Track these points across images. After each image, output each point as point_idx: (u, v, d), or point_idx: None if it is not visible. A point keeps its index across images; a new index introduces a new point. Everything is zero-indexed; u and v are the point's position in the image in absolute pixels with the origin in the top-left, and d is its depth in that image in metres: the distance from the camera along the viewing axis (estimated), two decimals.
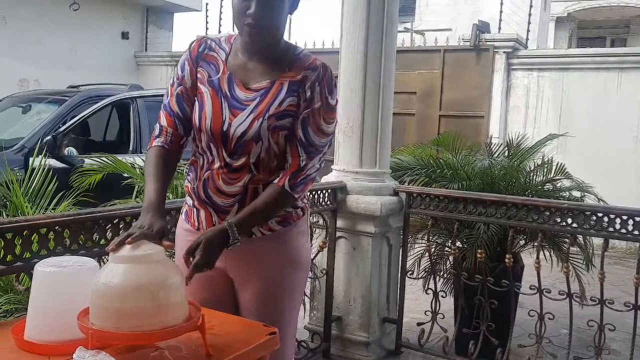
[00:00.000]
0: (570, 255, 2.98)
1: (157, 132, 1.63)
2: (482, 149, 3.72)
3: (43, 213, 2.57)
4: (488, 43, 7.15)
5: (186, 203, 1.71)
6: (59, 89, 6.16)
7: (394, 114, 3.29)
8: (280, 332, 1.41)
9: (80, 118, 5.22)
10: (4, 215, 2.60)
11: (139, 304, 1.19)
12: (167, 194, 2.81)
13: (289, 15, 1.61)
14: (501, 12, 8.04)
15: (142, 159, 1.69)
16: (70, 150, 4.99)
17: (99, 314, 1.20)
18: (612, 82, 6.60)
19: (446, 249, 3.28)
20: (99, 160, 3.66)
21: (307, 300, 3.13)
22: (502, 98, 7.16)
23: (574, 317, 2.83)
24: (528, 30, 7.71)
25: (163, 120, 1.63)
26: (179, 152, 1.64)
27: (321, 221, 3.05)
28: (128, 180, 3.42)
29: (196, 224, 1.65)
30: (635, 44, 14.04)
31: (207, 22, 9.61)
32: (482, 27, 7.31)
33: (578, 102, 6.79)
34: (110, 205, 2.63)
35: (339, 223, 3.11)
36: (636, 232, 2.58)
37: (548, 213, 2.77)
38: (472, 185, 3.27)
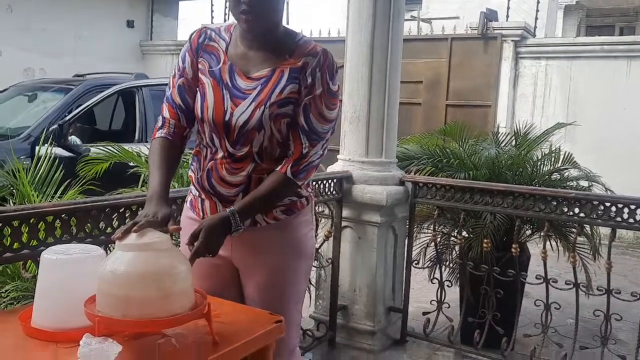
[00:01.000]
0: (577, 245, 2.96)
1: (159, 124, 1.63)
2: (489, 139, 3.70)
3: (49, 201, 2.58)
4: (496, 31, 7.08)
5: (191, 192, 1.71)
6: (65, 77, 6.16)
7: (400, 103, 3.27)
8: (285, 321, 1.42)
9: (86, 107, 5.22)
10: (11, 203, 2.61)
11: (145, 292, 1.20)
12: (173, 183, 2.82)
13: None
14: (509, 0, 7.95)
15: (148, 148, 1.70)
16: (73, 139, 5.00)
17: (105, 302, 1.20)
18: (621, 71, 6.54)
19: (452, 238, 3.27)
20: (105, 149, 3.66)
21: (312, 289, 3.14)
22: (509, 87, 7.11)
23: (580, 307, 2.83)
24: (536, 19, 7.63)
25: (165, 112, 1.63)
26: (182, 143, 1.64)
27: (327, 211, 3.05)
28: (134, 169, 3.42)
29: (201, 213, 1.65)
30: None
31: (212, 11, 9.56)
32: (490, 15, 7.23)
33: (586, 90, 6.72)
34: (117, 194, 2.63)
35: (345, 213, 3.11)
36: None
37: (555, 203, 2.76)
38: (479, 174, 3.25)
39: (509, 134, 3.75)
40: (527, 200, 2.81)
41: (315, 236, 2.88)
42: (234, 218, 1.49)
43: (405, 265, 3.26)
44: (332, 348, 3.14)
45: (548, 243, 2.93)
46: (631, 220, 2.59)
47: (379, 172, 3.10)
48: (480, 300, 3.06)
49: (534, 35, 7.40)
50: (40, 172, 2.86)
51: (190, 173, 1.69)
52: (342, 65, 3.28)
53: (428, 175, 3.28)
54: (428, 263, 3.31)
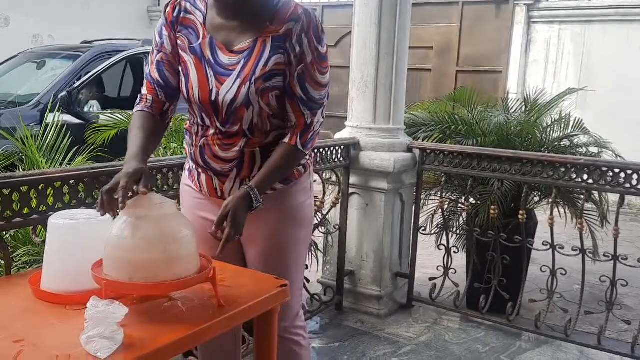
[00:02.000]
0: (585, 212, 2.95)
1: (137, 100, 1.61)
2: (499, 105, 3.66)
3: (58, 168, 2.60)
4: None
5: (188, 162, 1.71)
6: (73, 44, 6.13)
7: (409, 69, 3.23)
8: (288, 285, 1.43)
9: (94, 73, 5.22)
10: (20, 169, 2.64)
11: (151, 256, 1.21)
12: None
13: None
14: None
15: None
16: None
17: (112, 266, 1.22)
18: (635, 35, 6.39)
19: (459, 205, 3.27)
20: (113, 117, 3.67)
21: (320, 255, 3.17)
22: (521, 52, 6.99)
23: (587, 273, 2.83)
24: None
25: (144, 89, 1.60)
26: (162, 117, 1.61)
27: (334, 177, 3.06)
28: None
29: (199, 185, 1.66)
30: None
31: None
32: None
33: (600, 56, 6.60)
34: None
35: (352, 179, 3.11)
36: None
37: (563, 169, 2.74)
38: (487, 141, 3.23)
39: (518, 100, 3.70)
40: (536, 166, 2.80)
41: (322, 203, 2.90)
42: (255, 194, 1.49)
43: (412, 232, 3.27)
44: (340, 312, 3.19)
45: (556, 210, 2.92)
46: None
47: (387, 138, 3.09)
48: (486, 266, 3.08)
49: None
50: (48, 139, 2.88)
51: (185, 145, 1.70)
52: (350, 31, 3.25)
53: (436, 142, 3.26)
54: (435, 230, 3.32)
